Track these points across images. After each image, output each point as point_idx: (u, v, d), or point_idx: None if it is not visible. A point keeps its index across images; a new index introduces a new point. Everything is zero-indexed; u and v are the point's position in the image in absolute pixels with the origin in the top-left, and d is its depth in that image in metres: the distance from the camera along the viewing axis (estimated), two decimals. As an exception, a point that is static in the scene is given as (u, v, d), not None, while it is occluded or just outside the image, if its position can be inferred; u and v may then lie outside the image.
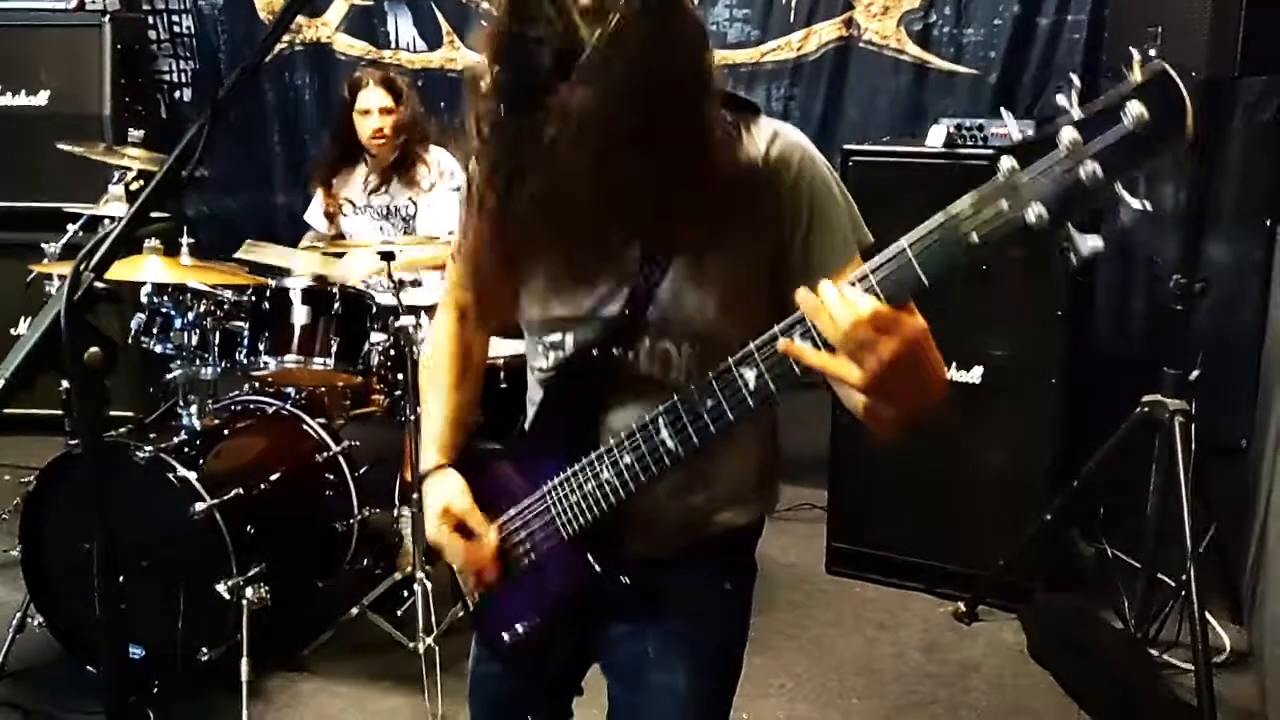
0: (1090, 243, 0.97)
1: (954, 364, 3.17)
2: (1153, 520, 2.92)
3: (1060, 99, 0.99)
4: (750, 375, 1.18)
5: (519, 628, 1.48)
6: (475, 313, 1.56)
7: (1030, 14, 3.67)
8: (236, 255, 3.23)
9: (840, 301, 1.05)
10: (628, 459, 1.30)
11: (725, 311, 1.32)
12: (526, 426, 1.52)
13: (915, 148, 3.12)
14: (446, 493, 1.48)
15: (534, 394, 1.51)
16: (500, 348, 2.82)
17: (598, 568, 1.38)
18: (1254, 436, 3.27)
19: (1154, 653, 2.91)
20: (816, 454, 3.56)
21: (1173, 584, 2.86)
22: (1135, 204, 0.96)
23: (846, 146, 3.27)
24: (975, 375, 3.17)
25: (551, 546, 1.41)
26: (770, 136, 1.32)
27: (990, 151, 2.93)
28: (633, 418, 1.32)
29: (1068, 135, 0.96)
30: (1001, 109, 1.25)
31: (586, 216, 1.22)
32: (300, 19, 4.59)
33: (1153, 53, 2.64)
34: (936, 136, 3.07)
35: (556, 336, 1.42)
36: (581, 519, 1.37)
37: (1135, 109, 0.93)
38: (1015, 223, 0.99)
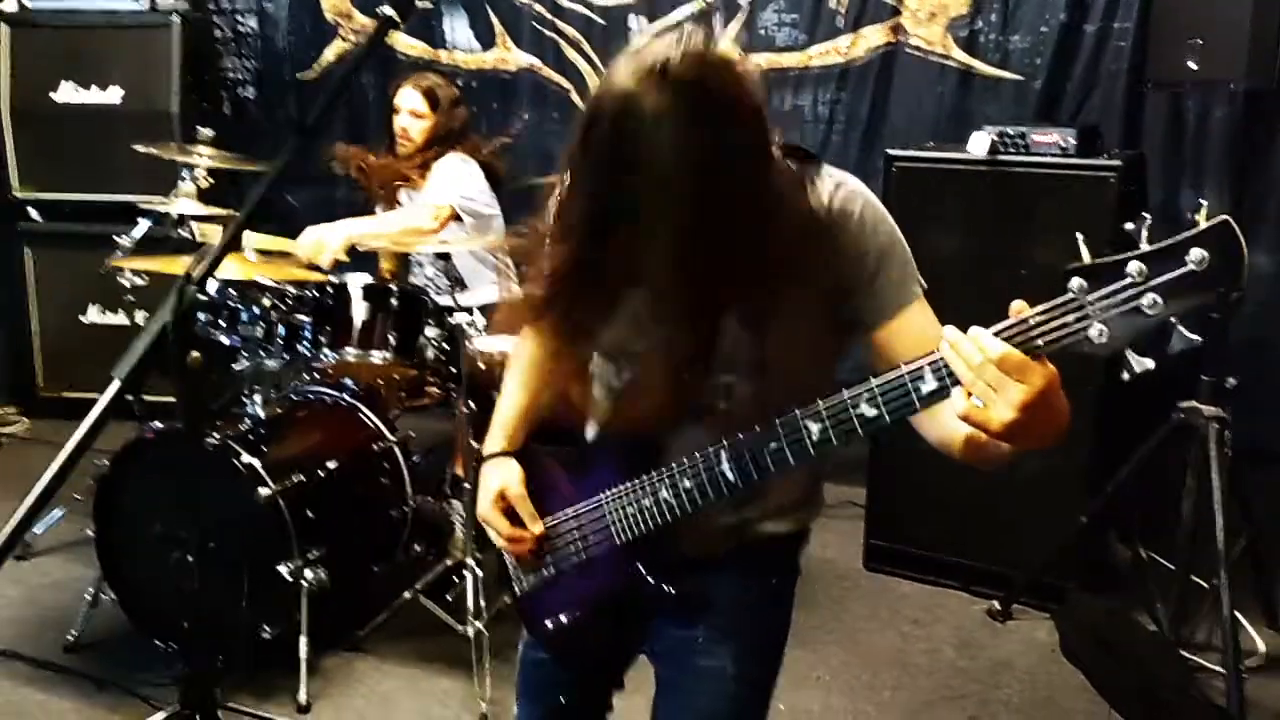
0: (1143, 364, 1.07)
1: (993, 367, 3.22)
2: (1187, 524, 2.97)
3: (1129, 226, 1.09)
4: (815, 428, 1.27)
5: (563, 618, 1.59)
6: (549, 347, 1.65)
7: (1077, 21, 3.68)
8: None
9: (973, 348, 1.12)
10: (687, 483, 1.39)
11: (785, 351, 1.40)
12: (589, 436, 1.62)
13: (958, 154, 3.17)
14: (504, 477, 1.59)
15: (599, 405, 1.60)
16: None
17: (649, 577, 1.48)
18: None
19: (1186, 655, 2.95)
20: (857, 453, 3.63)
21: (1206, 587, 2.90)
22: (1189, 336, 1.07)
23: (890, 151, 3.33)
24: (1014, 378, 3.22)
25: (602, 549, 1.51)
26: (834, 187, 1.40)
27: (1032, 159, 3.03)
28: (693, 443, 1.40)
29: (1135, 266, 1.05)
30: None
31: (666, 286, 1.32)
32: (363, 20, 4.73)
33: (1193, 65, 2.70)
34: (979, 144, 3.12)
35: (630, 358, 1.52)
36: (636, 530, 1.47)
37: (1197, 253, 1.03)
38: (1079, 337, 1.08)
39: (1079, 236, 1.13)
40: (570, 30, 4.48)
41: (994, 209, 3.08)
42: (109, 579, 2.98)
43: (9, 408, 4.82)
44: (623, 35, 4.30)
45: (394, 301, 3.13)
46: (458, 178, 3.51)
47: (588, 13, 4.44)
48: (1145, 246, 1.07)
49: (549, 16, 4.49)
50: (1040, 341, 1.09)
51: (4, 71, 4.62)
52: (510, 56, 4.58)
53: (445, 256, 3.27)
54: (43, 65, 4.60)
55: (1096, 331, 1.07)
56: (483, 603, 2.91)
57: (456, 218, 3.43)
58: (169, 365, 1.07)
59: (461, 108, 3.74)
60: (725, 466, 1.36)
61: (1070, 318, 1.08)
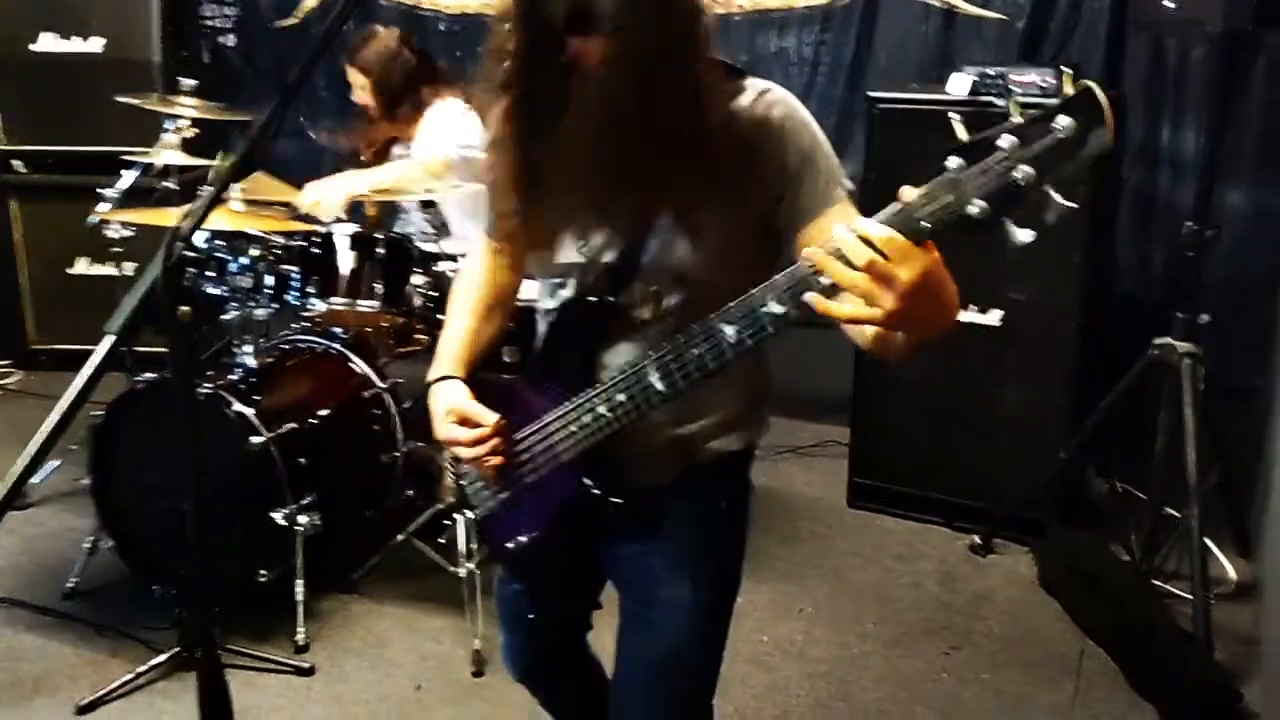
0: (1022, 236, 1.11)
1: (974, 306, 3.28)
2: (1160, 457, 3.04)
3: (1001, 101, 1.12)
4: (729, 330, 1.32)
5: (522, 539, 1.64)
6: (505, 251, 1.70)
7: (1060, -42, 3.69)
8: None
9: (856, 243, 1.15)
10: (620, 397, 1.44)
11: (712, 260, 1.46)
12: (531, 359, 1.67)
13: (938, 95, 3.19)
14: (451, 396, 1.63)
15: (541, 328, 1.65)
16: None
17: (595, 490, 1.53)
18: (1267, 378, 3.36)
19: (1157, 583, 3.04)
20: (841, 393, 3.69)
21: (1179, 518, 2.98)
22: (1063, 203, 1.09)
23: (871, 94, 3.36)
24: (995, 318, 3.28)
25: (552, 469, 1.56)
26: (756, 96, 1.45)
27: (1007, 102, 3.04)
28: (627, 356, 1.47)
29: (1007, 140, 1.08)
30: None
31: (589, 177, 1.37)
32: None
33: (1170, 5, 2.71)
34: (959, 84, 3.15)
35: (560, 279, 1.57)
36: (579, 446, 1.51)
37: (1064, 120, 1.06)
38: (960, 214, 1.12)
39: (953, 117, 1.16)
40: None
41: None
42: (106, 527, 3.03)
43: (1, 360, 4.85)
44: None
45: (380, 250, 3.15)
46: (451, 126, 3.49)
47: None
48: (1016, 120, 1.10)
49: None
50: (924, 223, 1.13)
51: (-17, 23, 4.58)
52: (495, 1, 4.54)
53: (430, 204, 3.28)
54: (22, 15, 4.56)
55: (975, 208, 1.11)
56: (474, 545, 2.98)
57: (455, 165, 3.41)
58: (160, 319, 1.11)
59: (400, 59, 3.55)
60: (653, 377, 1.40)
61: (950, 196, 1.12)
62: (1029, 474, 3.27)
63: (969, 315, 3.28)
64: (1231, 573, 3.18)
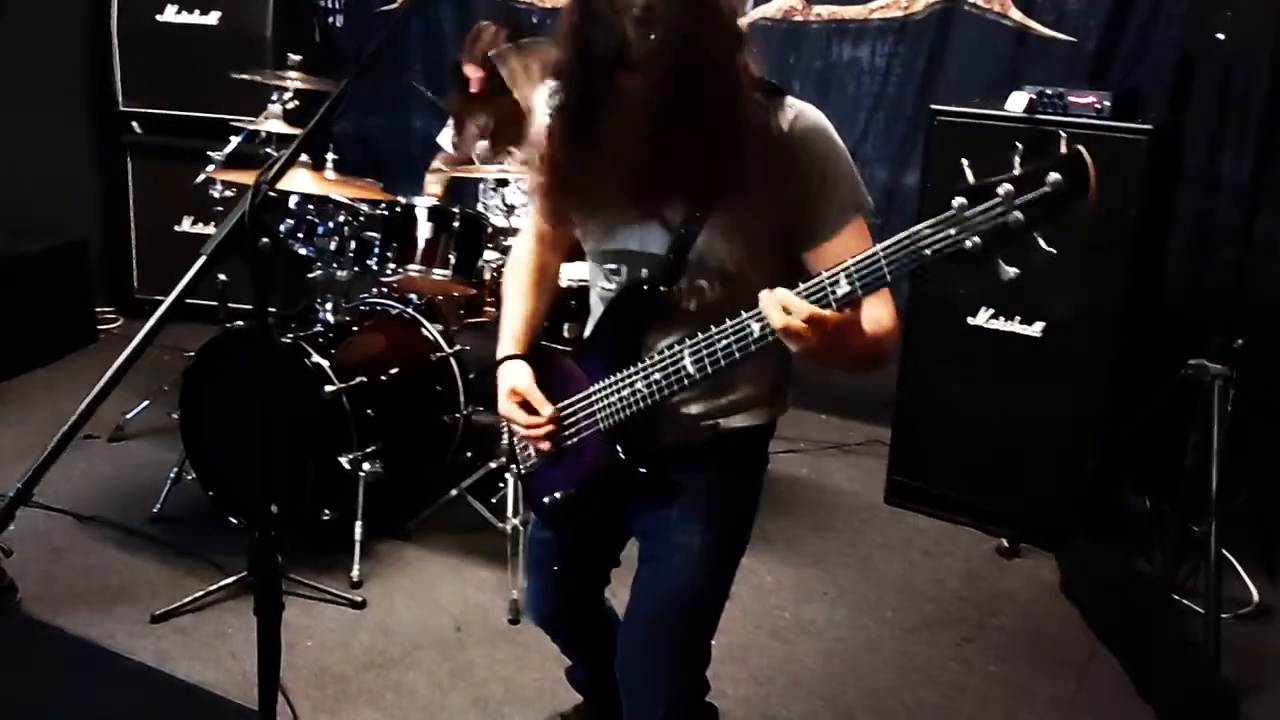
0: (1008, 273, 1.28)
1: (1017, 318, 3.39)
2: (1189, 475, 3.11)
3: (965, 162, 1.29)
4: (756, 327, 1.50)
5: (558, 494, 1.86)
6: (549, 238, 1.91)
7: (1131, -15, 3.75)
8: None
9: (778, 307, 1.40)
10: (656, 375, 1.63)
11: (748, 258, 1.63)
12: (586, 335, 1.86)
13: (997, 111, 3.31)
14: (515, 376, 1.84)
15: (595, 309, 1.84)
16: (573, 272, 3.07)
17: (623, 457, 1.72)
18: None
19: (1176, 597, 3.12)
20: (886, 394, 3.82)
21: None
22: (1046, 249, 1.26)
23: (934, 106, 3.48)
24: (1036, 329, 3.38)
25: (591, 435, 1.76)
26: (793, 116, 1.61)
27: (1066, 119, 3.15)
28: (669, 341, 1.64)
29: (1004, 188, 1.25)
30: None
31: (642, 176, 1.55)
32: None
33: (1221, 36, 2.80)
34: (1018, 102, 3.25)
35: (614, 265, 1.75)
36: (616, 417, 1.71)
37: (1054, 177, 1.22)
38: (958, 247, 1.30)
39: (964, 161, 1.33)
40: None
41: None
42: (191, 460, 3.31)
43: (108, 308, 5.21)
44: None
45: (456, 224, 3.37)
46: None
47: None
48: (1017, 170, 1.26)
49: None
50: (928, 251, 1.31)
51: (115, -7, 4.93)
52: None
53: (504, 183, 3.50)
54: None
55: (971, 243, 1.28)
56: (521, 505, 3.18)
57: None
58: (246, 251, 1.32)
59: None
60: (687, 361, 1.59)
61: (952, 230, 1.30)
62: (1062, 483, 3.37)
63: (1012, 326, 3.40)
64: (1255, 594, 3.23)
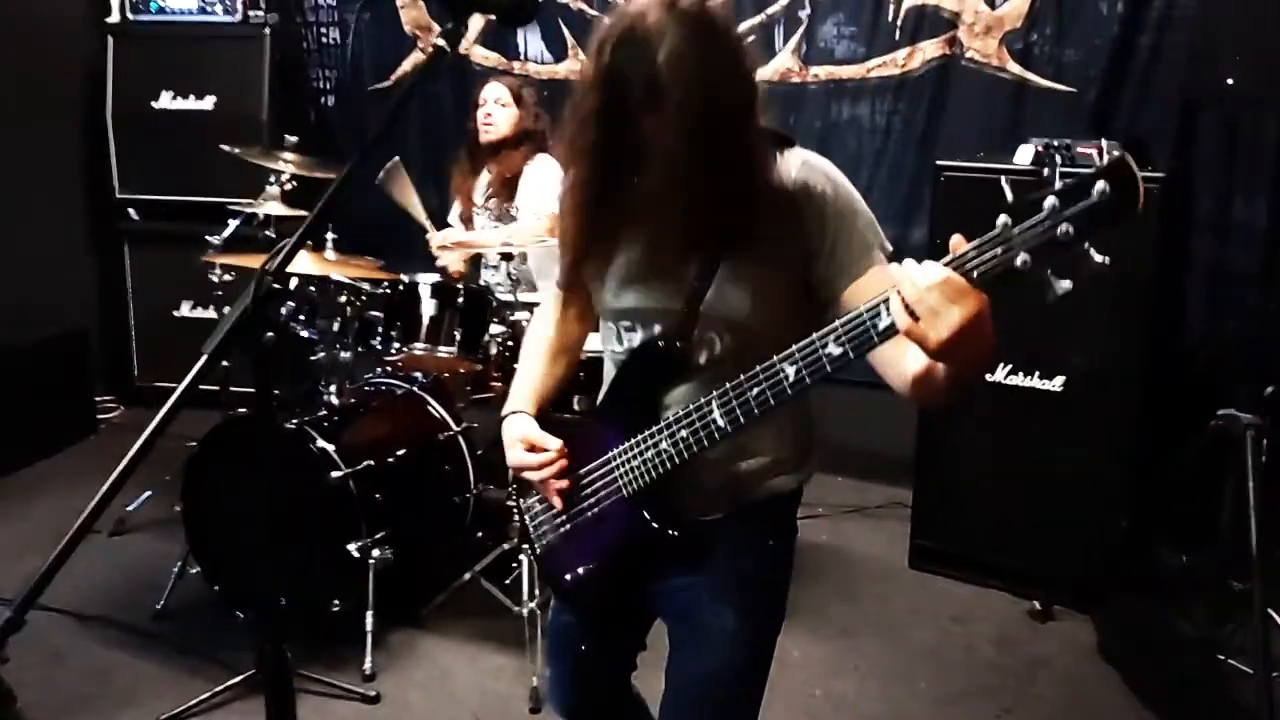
0: (1062, 285, 1.20)
1: (1036, 373, 3.32)
2: (1226, 530, 3.02)
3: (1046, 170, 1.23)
4: (790, 370, 1.43)
5: (580, 571, 1.75)
6: (571, 306, 1.85)
7: (1131, 34, 3.72)
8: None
9: (922, 270, 1.26)
10: (684, 433, 1.55)
11: (759, 308, 1.57)
12: (599, 402, 1.79)
13: (1003, 165, 3.27)
14: (522, 428, 1.76)
15: (609, 371, 1.77)
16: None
17: (653, 524, 1.63)
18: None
19: (1222, 657, 3.00)
20: (905, 456, 3.74)
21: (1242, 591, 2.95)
22: (1099, 259, 1.19)
23: (939, 162, 3.44)
24: (1057, 384, 3.31)
25: (613, 503, 1.67)
26: (799, 165, 1.57)
27: (1078, 170, 3.10)
28: (686, 398, 1.58)
29: (1050, 202, 1.18)
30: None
31: (657, 229, 1.52)
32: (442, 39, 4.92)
33: (1230, 81, 2.77)
34: (1024, 155, 3.22)
35: (628, 323, 1.69)
36: (640, 481, 1.62)
37: (1100, 186, 1.16)
38: (1007, 265, 1.22)
39: (1002, 180, 1.28)
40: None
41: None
42: (195, 553, 3.22)
43: (107, 396, 5.13)
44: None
45: (460, 300, 3.32)
46: (557, 181, 3.67)
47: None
48: (1059, 184, 1.20)
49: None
50: (975, 272, 1.23)
51: (108, 80, 4.94)
52: (582, 67, 4.74)
53: (508, 257, 3.45)
54: (144, 74, 4.92)
55: (1021, 260, 1.21)
56: (537, 586, 3.08)
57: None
58: (249, 345, 1.25)
59: (544, 113, 3.89)
60: (716, 414, 1.51)
61: (999, 249, 1.22)
62: (1091, 541, 3.27)
63: (1031, 381, 3.33)
64: (1300, 651, 3.12)
